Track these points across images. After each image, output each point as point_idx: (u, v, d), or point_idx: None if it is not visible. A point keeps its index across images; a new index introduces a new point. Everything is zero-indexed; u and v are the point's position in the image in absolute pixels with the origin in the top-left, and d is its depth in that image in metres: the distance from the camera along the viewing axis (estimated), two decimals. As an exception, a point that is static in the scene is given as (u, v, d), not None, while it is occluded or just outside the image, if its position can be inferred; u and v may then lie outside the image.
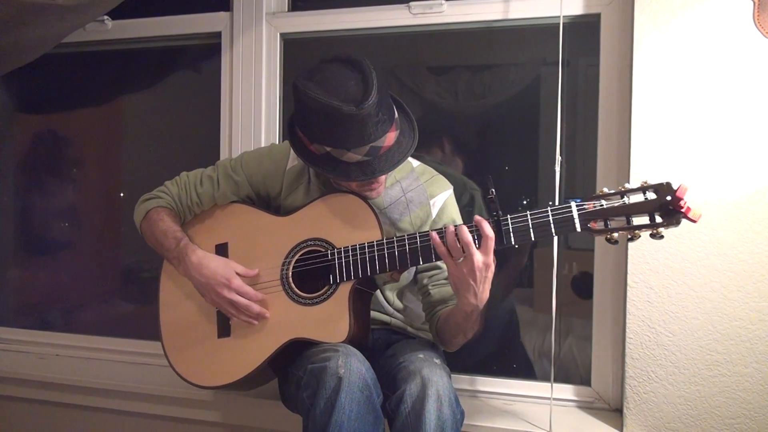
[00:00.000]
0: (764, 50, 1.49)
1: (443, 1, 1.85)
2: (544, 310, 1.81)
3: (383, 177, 1.39)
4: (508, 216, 1.24)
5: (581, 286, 1.84)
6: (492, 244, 1.22)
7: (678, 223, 1.14)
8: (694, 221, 1.13)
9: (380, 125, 1.27)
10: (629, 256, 1.58)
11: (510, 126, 2.01)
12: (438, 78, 2.05)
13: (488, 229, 1.22)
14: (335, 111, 1.23)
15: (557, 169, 1.63)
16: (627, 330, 1.59)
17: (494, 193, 1.23)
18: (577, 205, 1.20)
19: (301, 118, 1.34)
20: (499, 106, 2.01)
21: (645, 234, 1.16)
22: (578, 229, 1.19)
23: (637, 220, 1.17)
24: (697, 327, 1.54)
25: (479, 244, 1.23)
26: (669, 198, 1.13)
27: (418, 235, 1.32)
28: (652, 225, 1.15)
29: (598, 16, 1.74)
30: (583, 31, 1.78)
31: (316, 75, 1.29)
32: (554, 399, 1.66)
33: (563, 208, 1.21)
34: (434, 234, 1.28)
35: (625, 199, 1.17)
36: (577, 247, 1.88)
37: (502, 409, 1.75)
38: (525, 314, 1.98)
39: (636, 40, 1.58)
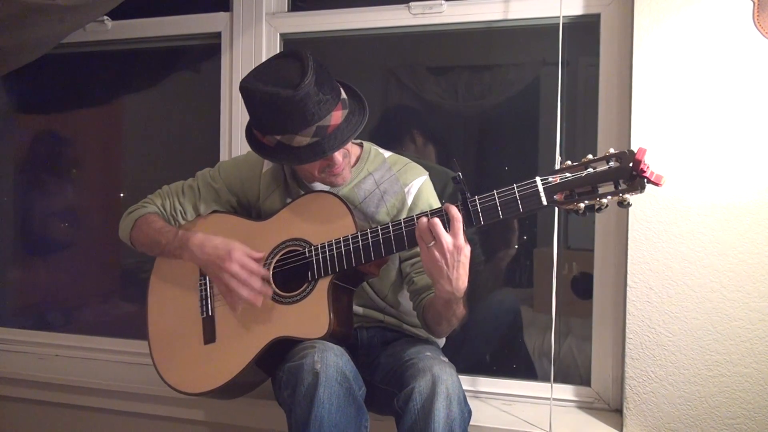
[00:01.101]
0: (764, 50, 1.49)
1: (443, 1, 1.85)
2: (544, 310, 1.81)
3: (342, 159, 1.40)
4: (476, 197, 1.25)
5: (581, 286, 1.84)
6: (460, 225, 1.23)
7: (642, 187, 1.13)
8: (657, 185, 1.13)
9: (323, 105, 1.29)
10: (629, 257, 1.58)
11: (510, 126, 2.00)
12: (438, 78, 2.05)
13: (455, 211, 1.23)
14: (274, 97, 1.27)
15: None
16: (627, 330, 1.59)
17: (461, 175, 1.24)
18: (541, 180, 1.20)
19: (252, 115, 1.39)
20: (499, 106, 2.01)
21: (613, 203, 1.15)
22: (544, 202, 1.20)
23: (604, 191, 1.17)
24: (697, 327, 1.54)
25: (448, 227, 1.24)
26: (631, 164, 1.13)
27: (390, 224, 1.34)
28: (617, 192, 1.15)
29: (598, 16, 1.74)
30: (583, 31, 1.78)
31: (258, 72, 1.35)
32: (554, 399, 1.66)
33: (528, 183, 1.21)
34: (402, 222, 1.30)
35: (590, 169, 1.17)
36: (577, 247, 1.88)
37: (502, 409, 1.75)
38: (525, 314, 1.98)
39: (636, 40, 1.58)
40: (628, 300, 1.59)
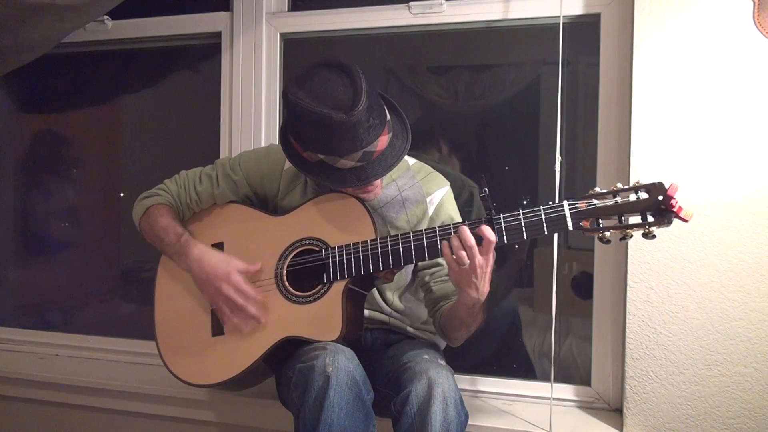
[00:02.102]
0: (764, 50, 1.49)
1: (443, 1, 1.85)
2: (544, 310, 1.81)
3: (378, 180, 1.39)
4: (501, 215, 1.25)
5: (581, 286, 1.84)
6: (493, 246, 1.23)
7: (669, 222, 1.14)
8: (685, 221, 1.14)
9: (371, 130, 1.27)
10: (629, 256, 1.58)
11: (510, 126, 2.01)
12: (438, 78, 2.05)
13: (490, 233, 1.22)
14: (325, 119, 1.23)
15: (557, 169, 1.63)
16: (627, 330, 1.59)
17: (487, 191, 1.23)
18: (569, 204, 1.20)
19: (293, 126, 1.35)
20: (499, 106, 2.01)
21: (637, 234, 1.16)
22: (570, 228, 1.20)
23: (630, 220, 1.18)
24: (697, 327, 1.54)
25: (480, 244, 1.24)
26: (661, 197, 1.14)
27: (411, 234, 1.33)
28: (644, 224, 1.15)
29: (598, 16, 1.74)
30: (583, 31, 1.78)
31: (305, 82, 1.29)
32: (554, 399, 1.65)
33: (555, 207, 1.21)
34: (447, 250, 1.27)
35: (618, 198, 1.18)
36: (577, 247, 1.88)
37: (502, 409, 1.75)
38: (525, 314, 1.98)
39: (636, 39, 1.58)
40: (628, 300, 1.59)
